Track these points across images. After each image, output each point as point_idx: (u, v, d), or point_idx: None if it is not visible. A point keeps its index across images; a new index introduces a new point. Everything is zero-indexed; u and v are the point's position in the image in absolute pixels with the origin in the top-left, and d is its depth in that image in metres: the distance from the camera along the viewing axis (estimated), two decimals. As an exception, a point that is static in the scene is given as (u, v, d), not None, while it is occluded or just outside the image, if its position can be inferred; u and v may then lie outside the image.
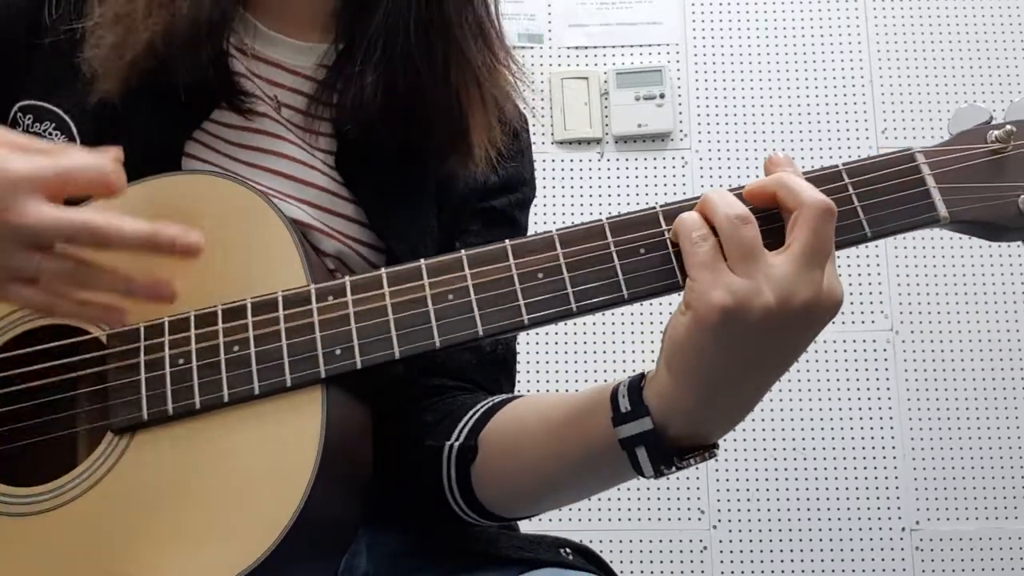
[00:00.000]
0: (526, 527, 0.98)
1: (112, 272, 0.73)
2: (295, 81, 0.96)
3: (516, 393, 0.96)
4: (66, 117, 0.89)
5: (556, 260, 0.76)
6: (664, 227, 0.76)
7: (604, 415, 0.77)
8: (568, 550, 0.92)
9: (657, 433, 0.75)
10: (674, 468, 0.76)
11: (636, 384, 0.77)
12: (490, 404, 0.91)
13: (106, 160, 0.72)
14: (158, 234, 0.71)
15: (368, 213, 0.93)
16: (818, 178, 0.76)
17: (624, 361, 2.48)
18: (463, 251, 0.77)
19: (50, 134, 0.88)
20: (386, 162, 0.95)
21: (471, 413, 0.90)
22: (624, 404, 0.76)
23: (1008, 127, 0.77)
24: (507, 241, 0.77)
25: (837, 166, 0.77)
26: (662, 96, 2.60)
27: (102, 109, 0.88)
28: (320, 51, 0.96)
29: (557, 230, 0.77)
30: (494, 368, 0.99)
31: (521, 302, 0.75)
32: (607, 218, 0.77)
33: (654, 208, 0.77)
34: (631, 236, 0.76)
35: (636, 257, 0.76)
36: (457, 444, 0.88)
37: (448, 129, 0.94)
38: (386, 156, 0.94)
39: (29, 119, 0.89)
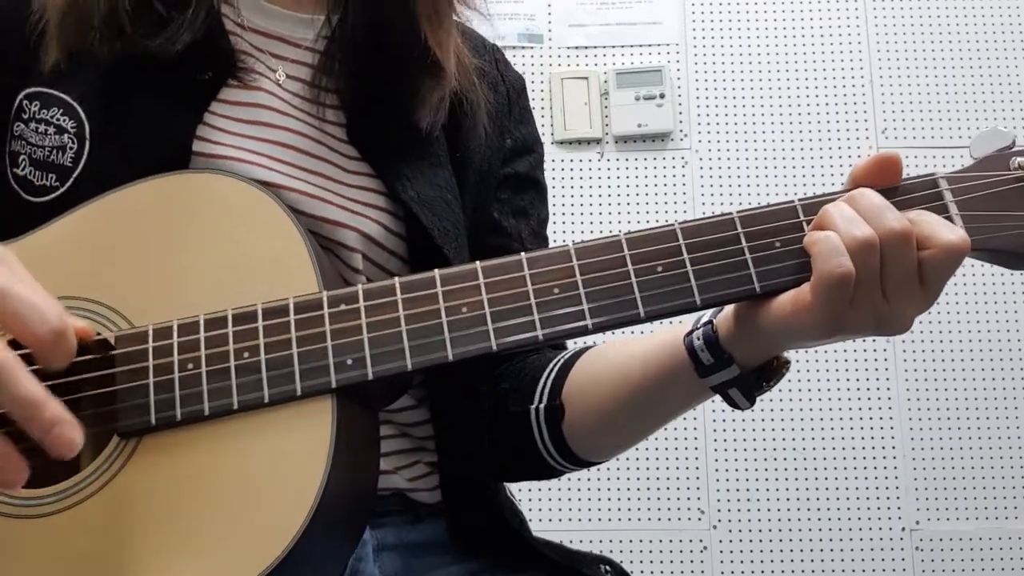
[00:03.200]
0: (537, 528, 1.00)
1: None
2: (298, 53, 0.96)
3: (579, 347, 0.98)
4: (74, 103, 0.89)
5: (572, 275, 0.76)
6: (682, 242, 0.76)
7: (686, 369, 0.83)
8: (608, 568, 0.94)
9: (745, 375, 0.81)
10: (764, 390, 0.83)
11: (712, 338, 0.81)
12: (561, 363, 0.96)
13: (56, 324, 0.66)
14: (41, 409, 0.64)
15: (384, 180, 0.94)
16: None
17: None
18: (478, 263, 0.77)
19: (58, 120, 0.88)
20: (395, 129, 0.95)
21: (546, 374, 0.96)
22: (706, 357, 0.81)
23: None
24: (523, 255, 0.77)
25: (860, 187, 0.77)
26: (662, 96, 2.59)
27: (110, 94, 0.88)
28: (319, 22, 0.97)
29: (574, 244, 0.77)
30: None
31: (536, 317, 0.75)
32: (624, 234, 0.77)
33: (672, 225, 0.77)
34: (648, 252, 0.76)
35: (653, 275, 0.76)
36: (542, 406, 0.94)
37: (425, 66, 0.96)
38: (394, 122, 0.95)
39: (36, 106, 0.89)
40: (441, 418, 0.96)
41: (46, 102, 0.89)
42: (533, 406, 0.95)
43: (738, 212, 0.77)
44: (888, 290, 0.73)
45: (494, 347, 0.74)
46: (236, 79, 0.92)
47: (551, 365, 0.97)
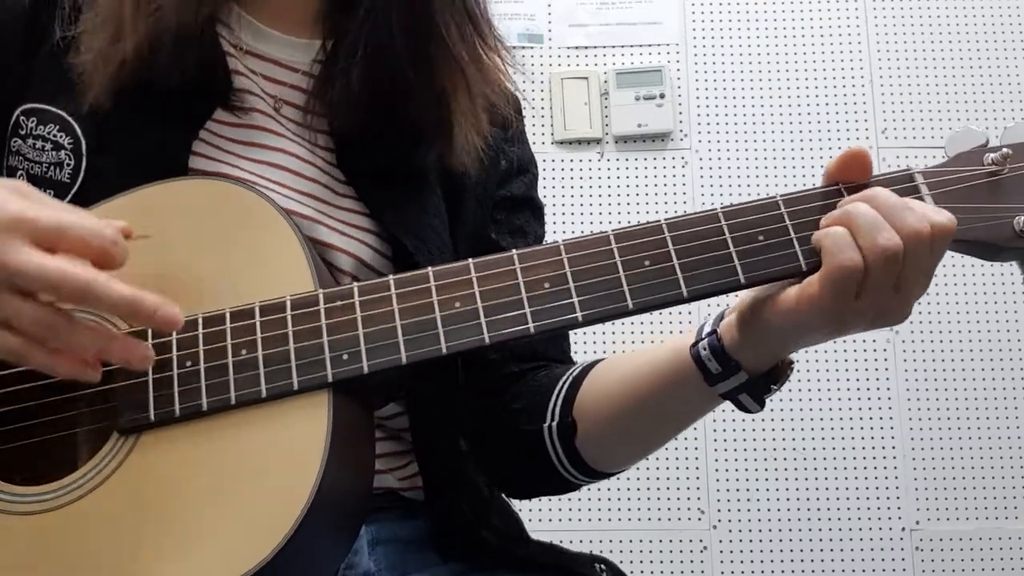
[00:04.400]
0: (536, 528, 1.00)
1: (92, 330, 0.71)
2: (293, 77, 0.97)
3: (587, 362, 0.99)
4: (70, 119, 0.89)
5: (562, 269, 0.77)
6: (668, 235, 0.78)
7: (695, 378, 0.84)
8: (603, 567, 0.95)
9: (754, 379, 0.82)
10: (772, 392, 0.84)
11: (717, 347, 0.83)
12: (570, 379, 0.97)
13: (111, 231, 0.70)
14: (141, 301, 0.69)
15: (370, 206, 0.94)
16: (822, 194, 0.79)
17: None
18: (470, 259, 0.79)
19: (54, 136, 0.89)
20: (384, 156, 0.96)
21: (556, 391, 0.97)
22: (713, 367, 0.83)
23: (1004, 150, 0.79)
24: (514, 251, 0.79)
25: (838, 184, 0.79)
26: (662, 96, 2.60)
27: (106, 112, 0.88)
28: (315, 48, 0.97)
29: (563, 240, 0.79)
30: (558, 338, 1.04)
31: (527, 310, 0.77)
32: (612, 230, 0.79)
33: (658, 221, 0.79)
34: (635, 246, 0.78)
35: (641, 268, 0.77)
36: (555, 424, 0.95)
37: (433, 120, 0.96)
38: (383, 150, 0.96)
39: (33, 122, 0.90)
40: (418, 419, 0.96)
41: (43, 118, 0.89)
42: (546, 424, 0.95)
43: (722, 207, 0.79)
44: (902, 285, 0.74)
45: (487, 340, 0.76)
46: (231, 99, 0.92)
47: (561, 382, 0.98)
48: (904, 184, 0.78)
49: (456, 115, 0.96)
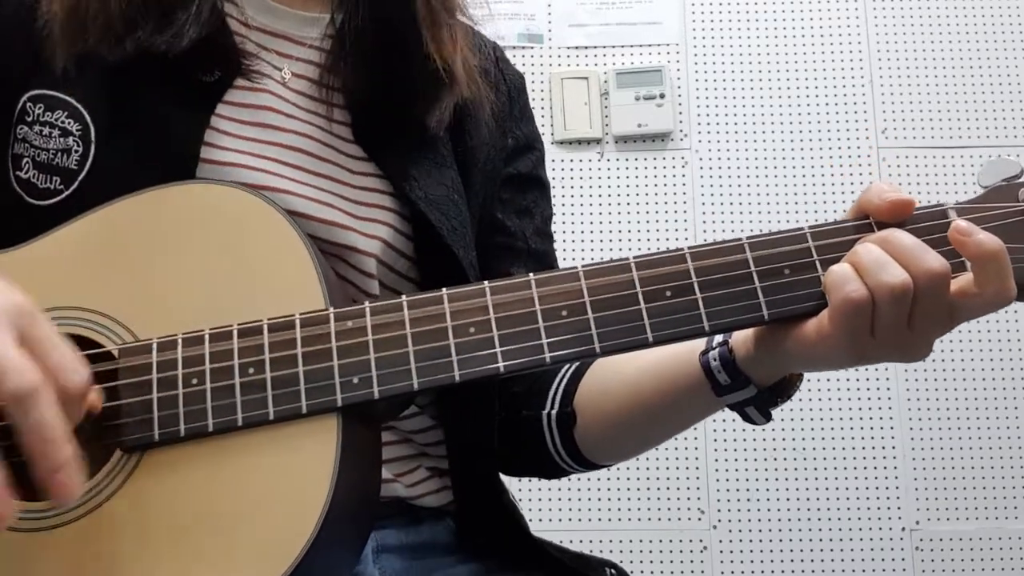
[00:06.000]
0: (537, 528, 1.00)
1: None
2: (304, 52, 0.96)
3: None
4: (79, 106, 0.87)
5: (581, 297, 0.75)
6: (691, 265, 0.76)
7: (702, 387, 0.84)
8: (613, 571, 0.95)
9: (762, 393, 0.82)
10: (779, 404, 0.84)
11: (728, 359, 0.82)
12: (572, 369, 0.97)
13: (83, 380, 0.65)
14: (55, 449, 0.61)
15: (392, 181, 0.93)
16: (853, 227, 0.77)
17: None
18: (486, 282, 0.76)
19: (62, 123, 0.87)
20: (400, 126, 0.95)
21: (558, 380, 0.97)
22: (723, 378, 0.82)
23: None
24: (531, 275, 0.77)
25: (868, 218, 0.77)
26: (662, 96, 2.59)
27: (116, 97, 0.87)
28: (324, 21, 0.97)
29: (583, 266, 0.77)
30: None
31: (544, 340, 0.74)
32: (634, 257, 0.76)
33: (682, 250, 0.76)
34: (657, 276, 0.76)
35: (662, 300, 0.75)
36: (554, 412, 0.95)
37: (432, 75, 0.95)
38: (399, 120, 0.95)
39: (40, 108, 0.88)
40: (450, 420, 0.96)
41: (50, 104, 0.88)
42: (545, 411, 0.96)
43: (747, 238, 0.77)
44: (916, 324, 0.72)
45: (502, 370, 0.74)
46: (242, 79, 0.91)
47: (562, 371, 0.98)
48: (937, 220, 0.76)
49: (451, 66, 0.96)
